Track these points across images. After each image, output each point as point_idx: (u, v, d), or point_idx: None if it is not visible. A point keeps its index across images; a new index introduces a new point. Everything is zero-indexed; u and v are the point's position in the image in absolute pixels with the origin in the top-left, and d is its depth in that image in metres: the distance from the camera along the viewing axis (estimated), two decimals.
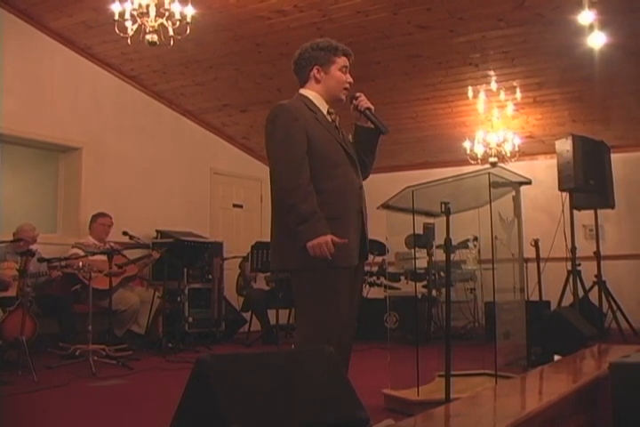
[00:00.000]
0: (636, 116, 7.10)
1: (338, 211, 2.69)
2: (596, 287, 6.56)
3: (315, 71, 2.83)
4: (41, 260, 5.59)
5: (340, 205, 2.70)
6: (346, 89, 2.87)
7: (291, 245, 2.66)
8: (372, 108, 2.86)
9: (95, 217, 6.63)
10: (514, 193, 3.86)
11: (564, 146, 6.44)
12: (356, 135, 2.92)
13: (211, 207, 8.42)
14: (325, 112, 2.84)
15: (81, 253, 6.05)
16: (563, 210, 6.48)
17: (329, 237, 2.57)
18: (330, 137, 2.77)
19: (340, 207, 2.70)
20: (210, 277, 7.32)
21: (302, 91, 2.88)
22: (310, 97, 2.84)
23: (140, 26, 4.87)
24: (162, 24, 4.87)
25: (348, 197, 2.74)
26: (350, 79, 2.88)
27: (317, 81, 2.84)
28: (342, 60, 2.84)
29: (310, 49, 2.85)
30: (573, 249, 6.41)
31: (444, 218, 3.22)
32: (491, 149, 7.30)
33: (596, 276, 6.58)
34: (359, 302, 2.96)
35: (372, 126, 2.87)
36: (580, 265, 6.44)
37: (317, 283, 2.67)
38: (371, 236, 8.42)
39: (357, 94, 2.88)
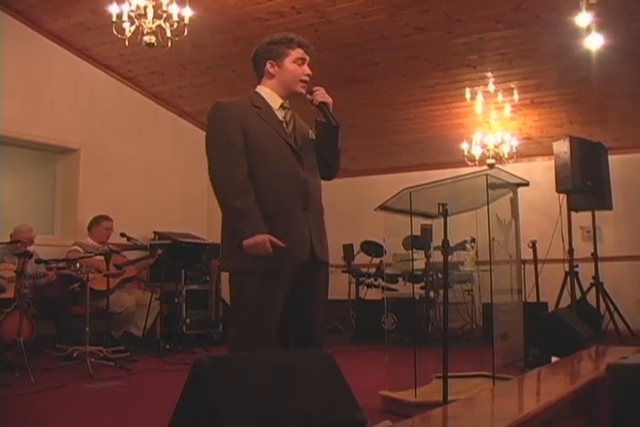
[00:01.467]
0: (633, 117, 7.11)
1: (274, 209, 2.59)
2: (593, 289, 6.57)
3: (268, 66, 2.76)
4: (39, 261, 5.59)
5: (278, 202, 2.61)
6: (303, 81, 2.76)
7: (230, 245, 2.61)
8: (329, 101, 2.73)
9: (98, 220, 6.60)
10: (511, 194, 3.87)
11: (562, 147, 6.45)
12: (316, 131, 2.82)
13: (208, 209, 8.40)
14: (277, 107, 2.75)
15: (81, 250, 6.06)
16: (560, 211, 6.48)
17: (266, 237, 2.49)
18: (272, 133, 2.67)
19: (277, 205, 2.60)
20: (207, 278, 7.32)
21: (257, 88, 2.81)
22: (262, 93, 2.77)
23: (137, 27, 4.87)
24: (159, 26, 4.88)
25: (288, 194, 2.63)
26: (308, 71, 2.77)
27: (271, 75, 2.76)
28: (297, 53, 2.75)
29: (265, 44, 2.77)
30: (571, 251, 6.42)
31: (442, 219, 3.22)
32: (488, 150, 7.31)
33: (593, 277, 6.59)
34: (322, 304, 2.75)
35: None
36: (577, 266, 6.45)
37: (250, 286, 2.58)
38: (368, 237, 8.40)
39: (315, 88, 2.76)
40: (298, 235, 2.61)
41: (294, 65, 2.75)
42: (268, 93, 2.77)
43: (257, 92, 2.79)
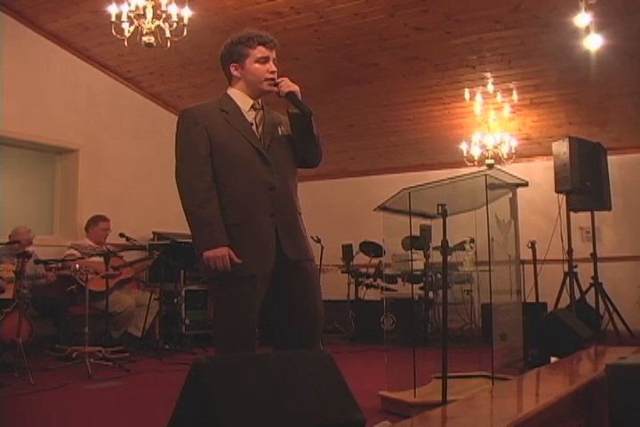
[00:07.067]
0: (632, 117, 7.11)
1: (240, 216, 2.58)
2: (592, 289, 6.57)
3: (232, 69, 2.71)
4: (37, 261, 5.59)
5: (243, 209, 2.59)
6: (269, 79, 2.68)
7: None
8: (296, 90, 2.65)
9: (95, 220, 6.59)
10: (510, 195, 3.87)
11: (561, 148, 6.46)
12: (290, 123, 2.72)
13: None
14: (248, 108, 2.71)
15: (77, 253, 6.04)
16: (559, 212, 6.49)
17: (226, 250, 2.50)
18: (238, 138, 2.63)
19: (242, 212, 2.58)
20: (206, 278, 7.30)
21: (228, 89, 2.77)
22: (232, 95, 2.73)
23: (136, 28, 4.88)
24: (159, 26, 4.88)
25: (254, 201, 2.60)
26: (272, 68, 2.69)
27: (237, 78, 2.72)
28: (258, 51, 2.67)
29: (228, 45, 2.71)
30: (570, 251, 6.42)
31: (441, 220, 3.22)
32: (487, 150, 7.31)
33: (592, 278, 6.59)
34: (311, 303, 2.66)
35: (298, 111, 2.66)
36: (576, 267, 6.44)
37: (220, 293, 2.62)
38: (367, 237, 8.38)
39: (279, 80, 2.68)
40: (261, 243, 2.58)
41: (256, 65, 2.68)
42: (238, 95, 2.73)
43: (227, 94, 2.75)
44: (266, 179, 2.62)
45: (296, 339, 2.64)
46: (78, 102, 7.16)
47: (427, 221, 4.05)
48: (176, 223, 7.64)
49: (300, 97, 2.66)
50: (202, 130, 2.62)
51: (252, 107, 2.73)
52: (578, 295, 6.44)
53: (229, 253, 2.51)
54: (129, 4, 4.81)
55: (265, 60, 2.69)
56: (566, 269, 6.43)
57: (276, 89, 2.68)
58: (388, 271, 7.49)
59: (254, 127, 2.70)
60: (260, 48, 2.68)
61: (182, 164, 2.65)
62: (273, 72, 2.70)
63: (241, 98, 2.72)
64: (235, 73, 2.72)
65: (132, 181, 7.57)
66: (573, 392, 2.25)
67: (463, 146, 7.42)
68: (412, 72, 6.80)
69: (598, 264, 6.66)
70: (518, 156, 7.46)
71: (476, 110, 6.97)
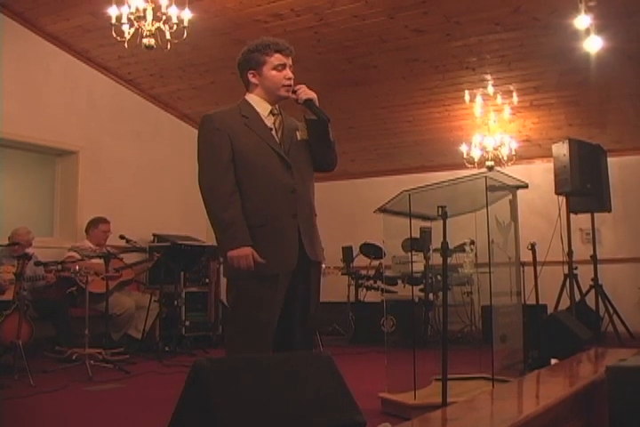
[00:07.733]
0: (632, 119, 7.11)
1: (264, 218, 2.66)
2: (592, 291, 6.57)
3: (250, 76, 2.80)
4: (37, 263, 5.59)
5: (266, 212, 2.66)
6: (286, 86, 2.76)
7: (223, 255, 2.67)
8: (313, 97, 2.73)
9: (95, 223, 6.59)
10: (510, 197, 3.87)
11: (561, 150, 6.46)
12: (307, 128, 2.80)
13: None
14: (267, 114, 2.79)
15: (77, 256, 6.04)
16: (559, 214, 6.49)
17: (249, 250, 2.57)
18: (259, 143, 2.71)
19: (265, 214, 2.66)
20: (207, 280, 7.32)
21: (246, 96, 2.85)
22: (251, 101, 2.81)
23: (137, 30, 4.88)
24: (159, 28, 4.88)
25: (276, 203, 2.68)
26: (289, 75, 2.77)
27: (255, 85, 2.80)
28: (275, 58, 2.75)
29: (245, 53, 2.80)
30: (570, 253, 6.42)
31: (441, 222, 3.22)
32: (487, 152, 7.31)
33: (592, 279, 6.58)
34: (312, 306, 2.78)
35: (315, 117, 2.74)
36: (576, 269, 6.44)
37: (240, 293, 2.66)
38: (368, 239, 8.38)
39: (297, 87, 2.76)
40: (285, 243, 2.66)
41: (274, 72, 2.76)
42: (257, 101, 2.80)
43: (246, 100, 2.82)
44: (287, 182, 2.70)
45: (290, 338, 2.70)
46: (78, 104, 7.16)
47: (427, 223, 4.05)
48: (176, 225, 7.68)
49: (317, 104, 2.73)
50: (223, 135, 2.68)
51: (271, 112, 2.80)
52: (578, 297, 6.44)
53: (252, 253, 2.57)
54: (129, 7, 4.82)
55: (282, 66, 2.77)
56: (566, 270, 6.43)
57: (293, 96, 2.76)
58: (388, 273, 7.49)
59: (274, 132, 2.77)
60: (277, 55, 2.76)
61: (205, 168, 2.70)
62: (290, 78, 2.78)
63: (259, 104, 2.80)
64: (252, 80, 2.80)
65: (132, 183, 7.57)
66: (573, 394, 2.25)
67: (463, 148, 7.42)
68: (411, 74, 6.80)
69: (598, 266, 6.65)
70: (518, 157, 7.46)
71: (476, 112, 6.97)
